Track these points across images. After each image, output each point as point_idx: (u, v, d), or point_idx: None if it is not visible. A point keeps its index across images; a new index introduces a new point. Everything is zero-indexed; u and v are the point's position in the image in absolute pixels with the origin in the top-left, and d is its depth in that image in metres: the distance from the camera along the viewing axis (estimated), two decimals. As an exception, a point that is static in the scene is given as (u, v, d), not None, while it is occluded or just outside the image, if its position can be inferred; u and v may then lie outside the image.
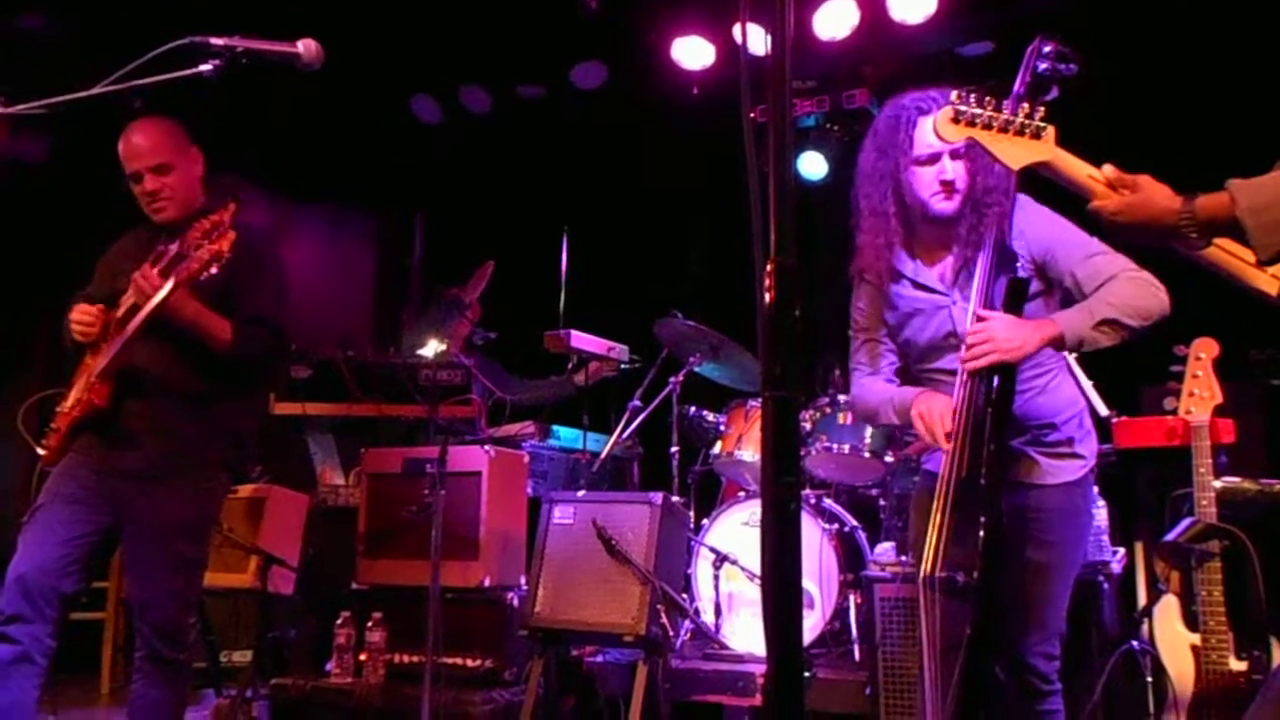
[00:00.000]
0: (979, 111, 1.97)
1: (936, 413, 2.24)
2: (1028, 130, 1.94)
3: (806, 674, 2.57)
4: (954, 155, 2.32)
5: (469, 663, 3.56)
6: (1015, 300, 2.19)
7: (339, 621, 3.66)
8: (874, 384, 2.53)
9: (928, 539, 2.16)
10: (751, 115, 1.25)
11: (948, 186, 2.33)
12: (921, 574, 2.13)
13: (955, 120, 1.98)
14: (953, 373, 2.31)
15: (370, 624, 3.63)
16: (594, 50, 5.71)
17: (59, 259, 3.24)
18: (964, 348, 2.22)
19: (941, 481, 2.18)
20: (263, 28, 2.32)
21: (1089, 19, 4.51)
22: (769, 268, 1.09)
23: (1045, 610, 2.32)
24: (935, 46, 5.01)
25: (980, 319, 2.21)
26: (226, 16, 2.61)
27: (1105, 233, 1.96)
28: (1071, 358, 3.67)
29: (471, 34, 5.47)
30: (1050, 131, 1.95)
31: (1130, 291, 2.19)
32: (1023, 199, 2.35)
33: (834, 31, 5.07)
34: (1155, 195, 1.78)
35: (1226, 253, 1.79)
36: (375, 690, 3.53)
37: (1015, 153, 1.95)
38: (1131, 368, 3.57)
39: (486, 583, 3.61)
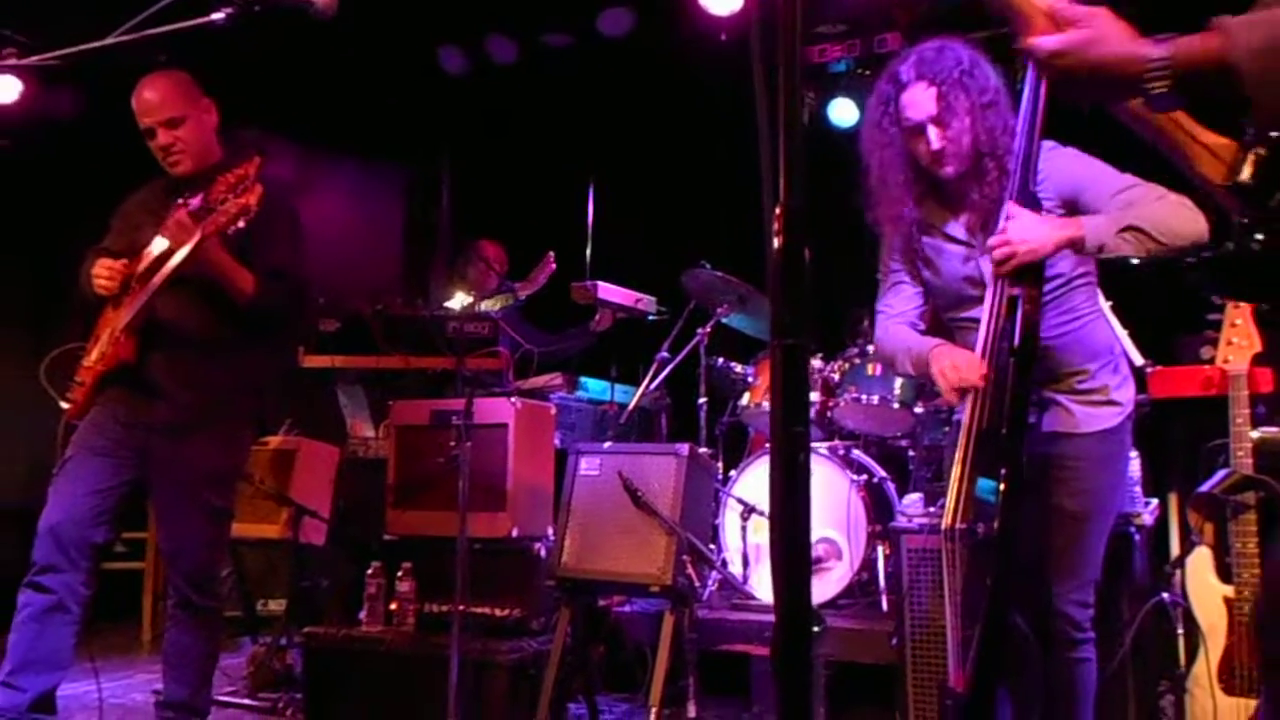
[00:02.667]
0: None
1: (962, 366, 2.21)
2: None
3: (816, 628, 2.57)
4: (938, 121, 2.29)
5: (497, 612, 3.60)
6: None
7: (369, 571, 3.70)
8: (896, 329, 2.51)
9: (949, 491, 2.13)
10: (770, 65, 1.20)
11: (938, 155, 2.32)
12: (943, 526, 2.11)
13: None
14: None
15: (400, 574, 3.67)
16: (620, -3, 5.61)
17: (82, 212, 3.26)
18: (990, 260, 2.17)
19: (963, 433, 2.15)
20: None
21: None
22: (777, 211, 1.05)
23: (1079, 559, 2.30)
24: (969, -13, 4.86)
25: (1008, 217, 2.15)
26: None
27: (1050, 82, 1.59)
28: (1106, 306, 3.61)
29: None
30: None
31: (1163, 210, 2.12)
32: (1049, 144, 2.30)
33: (865, -27, 4.94)
34: (1113, 33, 1.35)
35: (1175, 123, 1.40)
36: (405, 639, 3.57)
37: None
38: (1168, 316, 3.49)
39: (514, 533, 3.63)
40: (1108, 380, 2.37)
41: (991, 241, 2.15)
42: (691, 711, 3.25)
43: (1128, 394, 2.40)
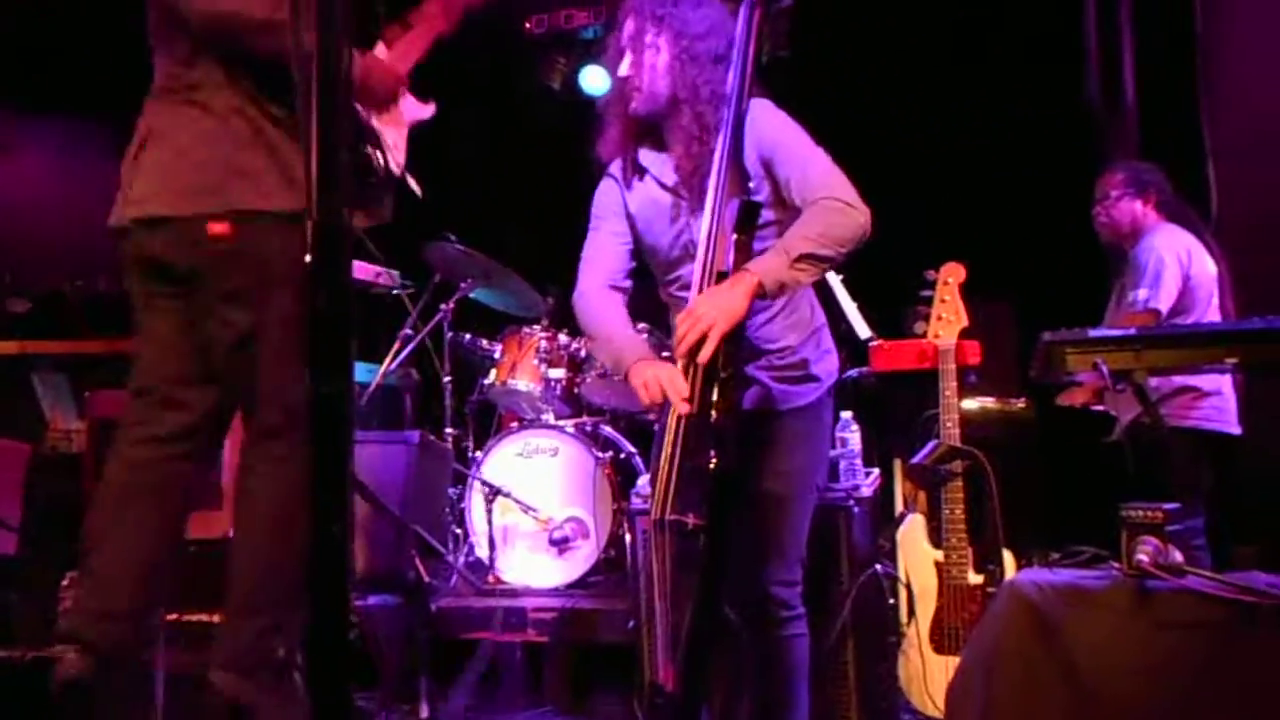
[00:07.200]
0: None
1: (665, 384, 2.10)
2: None
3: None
4: (633, 50, 2.27)
5: (215, 619, 3.31)
6: (747, 223, 2.08)
7: (65, 583, 3.32)
8: (601, 303, 2.37)
9: (657, 480, 2.07)
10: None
11: (624, 85, 2.29)
12: (652, 517, 2.05)
13: None
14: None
15: (103, 583, 3.31)
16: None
17: None
18: (678, 342, 2.07)
19: (671, 417, 2.08)
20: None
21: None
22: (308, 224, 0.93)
23: (784, 541, 2.29)
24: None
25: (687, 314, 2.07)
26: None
27: None
28: (837, 280, 3.69)
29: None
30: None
31: (825, 220, 2.09)
32: (764, 102, 2.28)
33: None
34: None
35: None
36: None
37: None
38: (896, 290, 3.61)
39: (231, 533, 3.35)
40: (808, 354, 2.34)
41: (683, 333, 2.04)
42: (424, 712, 3.11)
43: (827, 367, 2.38)
